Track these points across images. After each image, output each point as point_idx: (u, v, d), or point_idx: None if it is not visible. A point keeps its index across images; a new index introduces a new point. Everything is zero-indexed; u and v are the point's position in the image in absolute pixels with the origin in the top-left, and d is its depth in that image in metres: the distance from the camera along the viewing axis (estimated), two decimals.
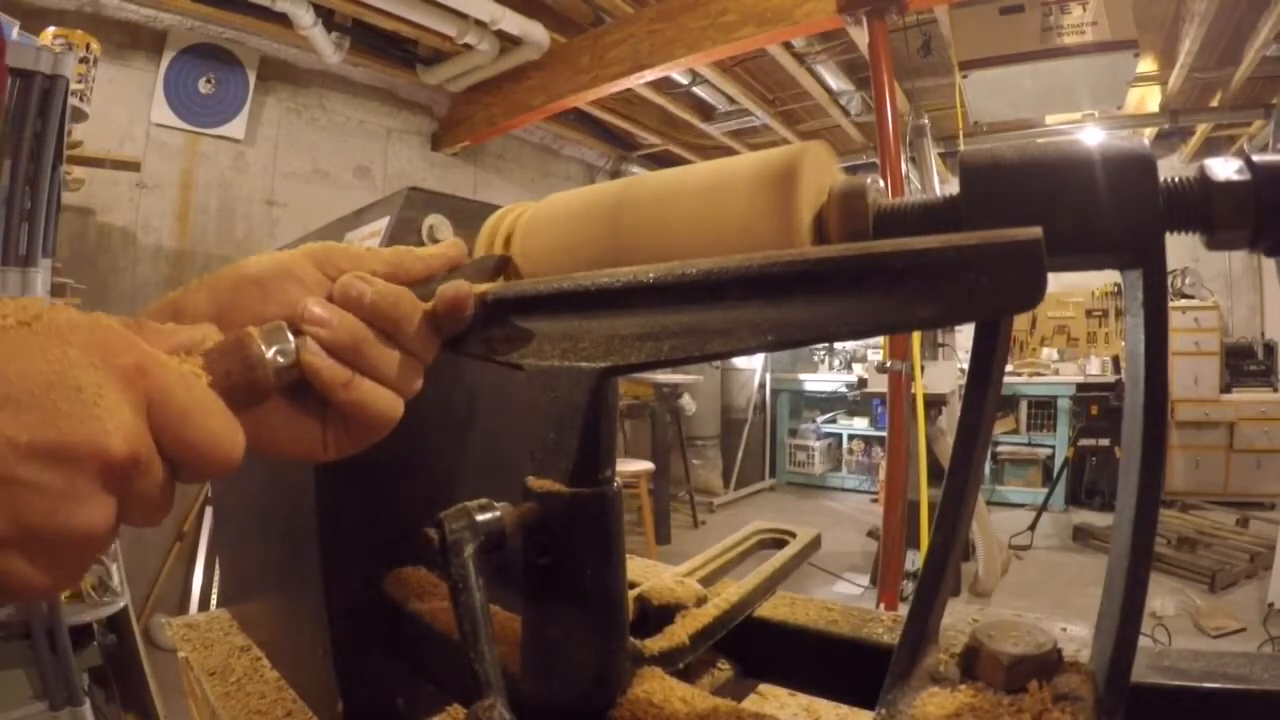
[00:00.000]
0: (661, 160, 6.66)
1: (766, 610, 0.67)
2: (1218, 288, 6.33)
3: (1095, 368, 6.23)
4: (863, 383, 4.65)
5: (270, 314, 0.42)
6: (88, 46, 2.84)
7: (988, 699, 0.43)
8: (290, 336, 0.41)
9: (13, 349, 0.29)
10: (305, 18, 3.87)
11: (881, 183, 0.44)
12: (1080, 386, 6.01)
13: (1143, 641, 0.40)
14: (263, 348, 0.39)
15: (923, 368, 3.44)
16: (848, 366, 7.42)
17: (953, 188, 0.40)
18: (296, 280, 0.44)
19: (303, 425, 0.43)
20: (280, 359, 0.40)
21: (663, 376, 5.54)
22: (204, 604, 3.61)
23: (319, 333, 0.42)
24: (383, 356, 0.44)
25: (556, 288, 0.46)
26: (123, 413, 0.31)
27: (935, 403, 3.73)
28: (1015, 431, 6.40)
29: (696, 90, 5.46)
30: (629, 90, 4.75)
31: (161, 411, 0.33)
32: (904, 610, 0.49)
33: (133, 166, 3.67)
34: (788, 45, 4.54)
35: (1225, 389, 5.82)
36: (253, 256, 0.45)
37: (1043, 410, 6.31)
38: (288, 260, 0.45)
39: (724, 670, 0.64)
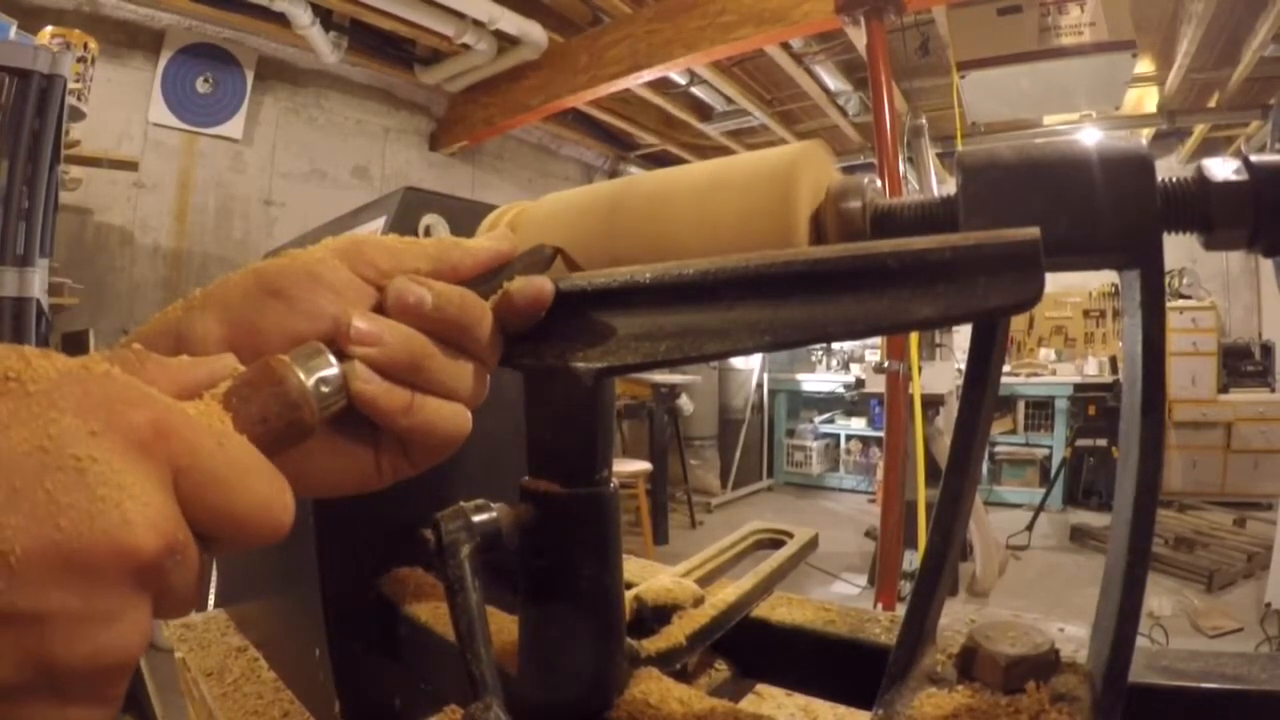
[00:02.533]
0: (659, 160, 6.66)
1: (764, 610, 0.67)
2: (1215, 288, 6.34)
3: (1093, 368, 6.24)
4: (860, 383, 4.66)
5: (300, 333, 0.34)
6: (85, 46, 2.84)
7: (985, 699, 0.43)
8: (333, 360, 0.33)
9: None
10: (303, 17, 3.87)
11: (879, 183, 0.44)
12: (1078, 387, 6.02)
13: (1140, 641, 0.40)
14: (302, 378, 0.31)
15: (920, 368, 3.44)
16: (845, 367, 7.42)
17: (950, 188, 0.40)
18: (326, 286, 0.36)
19: (352, 457, 0.36)
20: (323, 388, 0.32)
21: (660, 377, 5.54)
22: (201, 604, 3.60)
23: (369, 353, 0.34)
24: (448, 369, 0.37)
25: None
26: (144, 492, 0.24)
27: (933, 403, 3.74)
28: (1013, 432, 6.41)
29: (694, 90, 5.47)
30: (627, 90, 4.76)
31: (191, 481, 0.26)
32: (901, 610, 0.49)
33: (130, 166, 3.68)
34: (786, 45, 4.55)
35: (1222, 389, 5.83)
36: (267, 260, 0.37)
37: (1040, 410, 6.32)
38: (313, 263, 0.37)
39: (721, 671, 0.64)
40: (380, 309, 0.37)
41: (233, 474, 0.27)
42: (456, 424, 0.37)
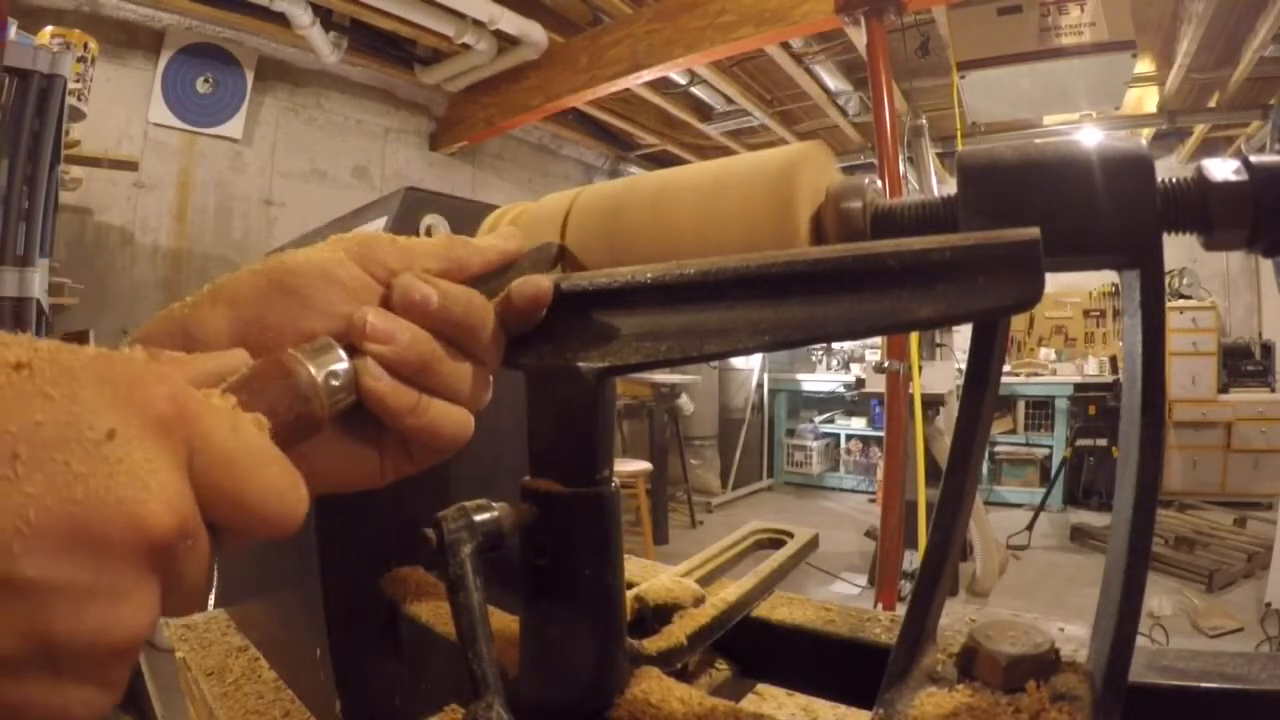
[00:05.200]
0: (659, 160, 6.66)
1: (764, 610, 0.67)
2: (1215, 288, 6.34)
3: (1093, 368, 6.24)
4: (860, 383, 4.65)
5: (311, 330, 0.34)
6: (85, 46, 2.84)
7: (985, 699, 0.43)
8: (343, 355, 0.33)
9: (1, 401, 0.22)
10: (303, 17, 3.87)
11: (879, 183, 0.44)
12: (1078, 386, 6.02)
13: (1140, 641, 0.40)
14: (312, 372, 0.31)
15: (920, 368, 3.44)
16: (845, 367, 7.42)
17: (950, 188, 0.40)
18: (338, 284, 0.36)
19: (357, 455, 0.37)
20: (333, 383, 0.32)
21: (660, 376, 5.54)
22: (204, 604, 3.61)
23: (382, 351, 0.34)
24: (454, 372, 0.37)
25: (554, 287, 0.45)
26: (161, 470, 0.23)
27: (933, 403, 3.74)
28: (1013, 431, 6.41)
29: (694, 90, 5.47)
30: (627, 90, 4.76)
31: (205, 464, 0.25)
32: (902, 610, 0.49)
33: (130, 166, 3.68)
34: (786, 45, 4.55)
35: (1222, 389, 5.83)
36: (278, 256, 0.37)
37: (1040, 410, 6.32)
38: (325, 260, 0.36)
39: (722, 670, 0.64)
40: (386, 306, 0.37)
41: (246, 460, 0.26)
42: (460, 427, 0.38)
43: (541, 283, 0.41)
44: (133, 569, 0.23)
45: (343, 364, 0.33)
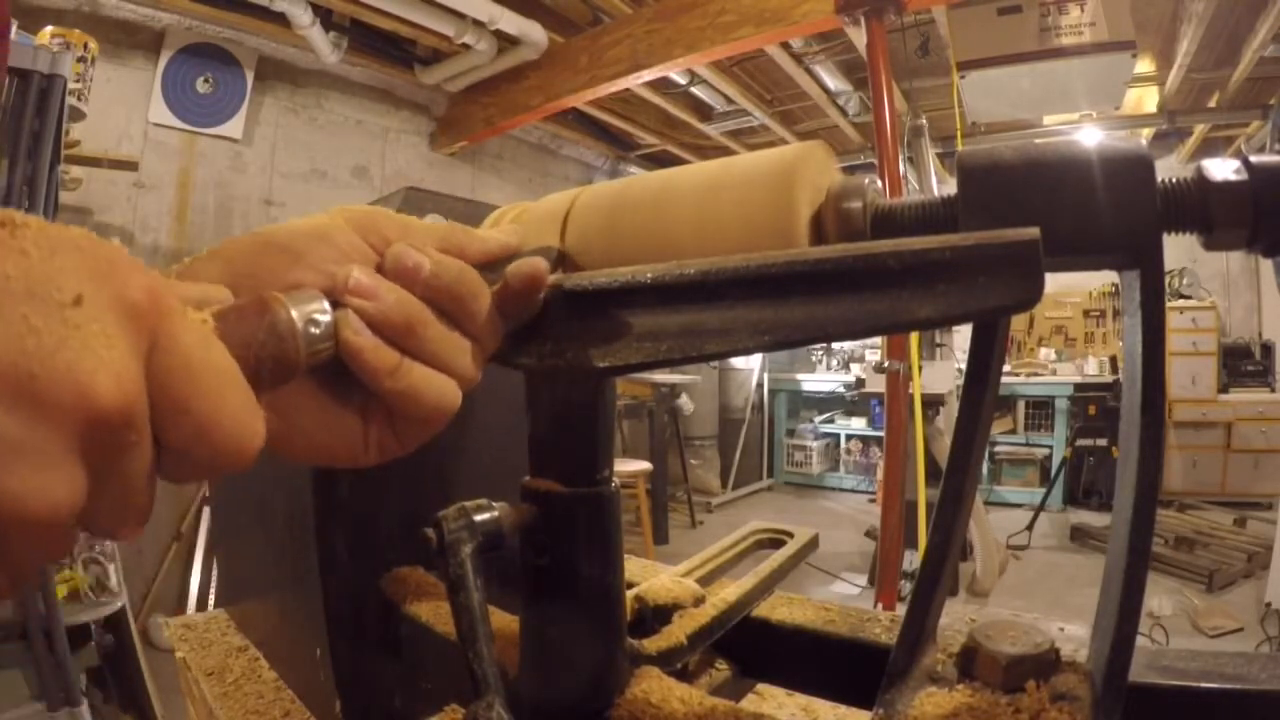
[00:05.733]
0: (659, 160, 6.66)
1: (764, 610, 0.67)
2: (1215, 288, 6.34)
3: (1093, 368, 6.24)
4: (860, 383, 4.66)
5: (299, 283, 0.34)
6: (85, 46, 2.84)
7: (985, 699, 0.43)
8: (326, 306, 0.33)
9: None
10: (303, 17, 3.87)
11: (879, 183, 0.44)
12: (1078, 386, 6.02)
13: (1140, 641, 0.40)
14: (292, 314, 0.31)
15: (920, 368, 3.44)
16: (845, 367, 7.42)
17: (951, 188, 0.40)
18: (335, 246, 0.36)
19: (339, 421, 0.36)
20: (313, 330, 0.32)
21: (660, 376, 5.54)
22: (202, 604, 3.61)
23: (364, 305, 0.34)
24: (440, 338, 0.36)
25: (554, 287, 0.45)
26: (119, 349, 0.22)
27: (933, 403, 3.74)
28: (1013, 431, 6.41)
29: (694, 90, 5.47)
30: (627, 90, 4.76)
31: (165, 364, 0.24)
32: (902, 610, 0.49)
33: (130, 166, 3.67)
34: (786, 45, 4.54)
35: (1222, 389, 5.83)
36: (279, 224, 0.37)
37: (1040, 410, 6.32)
38: (324, 224, 0.37)
39: (722, 670, 0.64)
40: (381, 272, 0.36)
41: (209, 375, 0.26)
42: (444, 396, 0.37)
43: (537, 263, 0.40)
44: (65, 437, 0.21)
45: (325, 314, 0.33)
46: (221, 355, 0.27)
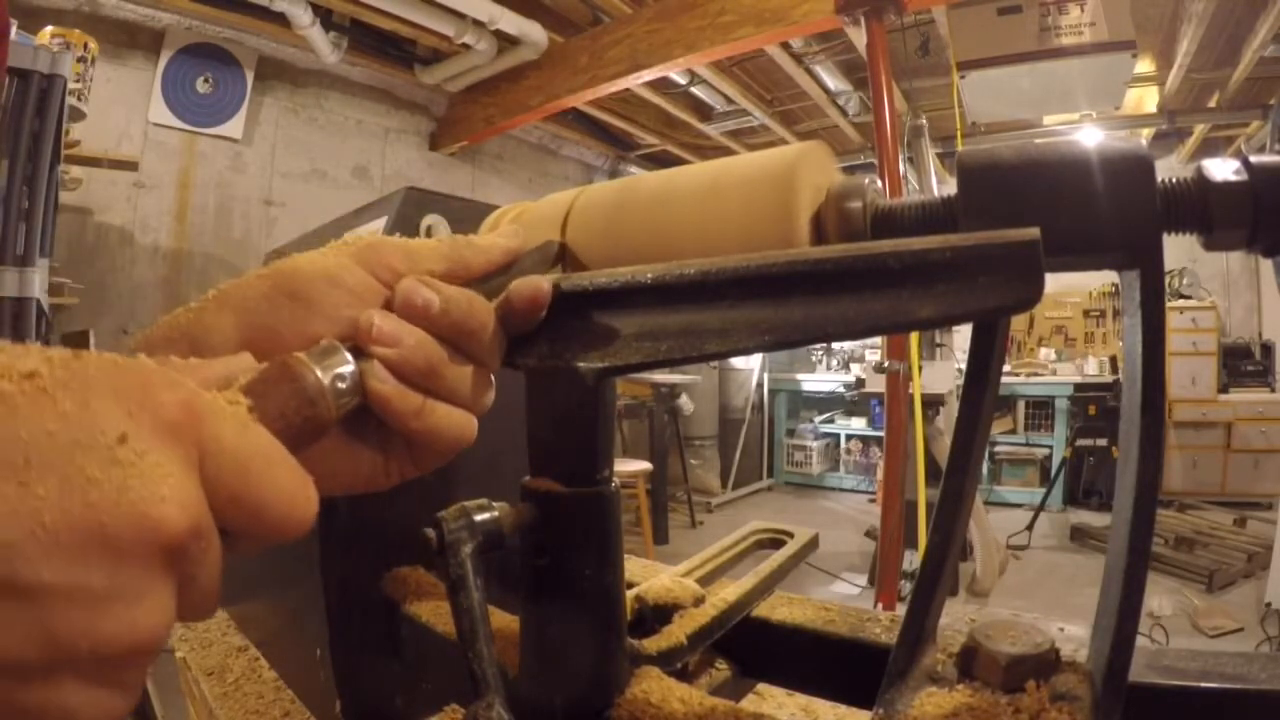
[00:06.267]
0: (659, 160, 6.66)
1: (764, 610, 0.67)
2: (1215, 288, 6.34)
3: (1093, 368, 6.24)
4: (860, 383, 4.65)
5: (316, 334, 0.34)
6: (85, 46, 2.84)
7: (985, 699, 0.43)
8: (349, 358, 0.33)
9: (12, 409, 0.21)
10: (303, 17, 3.88)
11: (879, 183, 0.44)
12: (1078, 386, 6.02)
13: (1140, 641, 0.40)
14: (319, 375, 0.31)
15: (920, 368, 3.44)
16: (845, 367, 7.42)
17: (950, 188, 0.40)
18: (343, 288, 0.36)
19: (362, 458, 0.37)
20: (340, 385, 0.32)
21: (660, 376, 5.54)
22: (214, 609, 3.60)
23: (387, 354, 0.34)
24: (457, 375, 0.37)
25: (553, 288, 0.45)
26: (174, 473, 0.24)
27: (933, 403, 3.74)
28: (1013, 431, 6.41)
29: (694, 90, 5.47)
30: (627, 90, 4.76)
31: (215, 466, 0.25)
32: (902, 610, 0.49)
33: (130, 166, 3.68)
34: (786, 45, 4.55)
35: (1222, 389, 5.82)
36: (283, 262, 0.37)
37: (1040, 410, 6.32)
38: (331, 265, 0.37)
39: (722, 670, 0.64)
40: (389, 310, 0.37)
41: (256, 461, 0.27)
42: (463, 430, 0.38)
43: (540, 283, 0.41)
44: (147, 571, 0.23)
45: (349, 366, 0.33)
46: (263, 437, 0.28)
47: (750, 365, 7.33)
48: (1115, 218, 0.36)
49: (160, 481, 0.23)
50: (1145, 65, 4.91)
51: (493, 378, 0.41)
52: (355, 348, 0.34)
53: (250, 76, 4.31)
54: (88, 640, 0.21)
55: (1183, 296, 6.09)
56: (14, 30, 2.19)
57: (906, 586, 3.46)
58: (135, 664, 0.23)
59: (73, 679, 0.22)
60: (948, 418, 3.81)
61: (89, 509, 0.21)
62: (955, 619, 0.51)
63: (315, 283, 0.36)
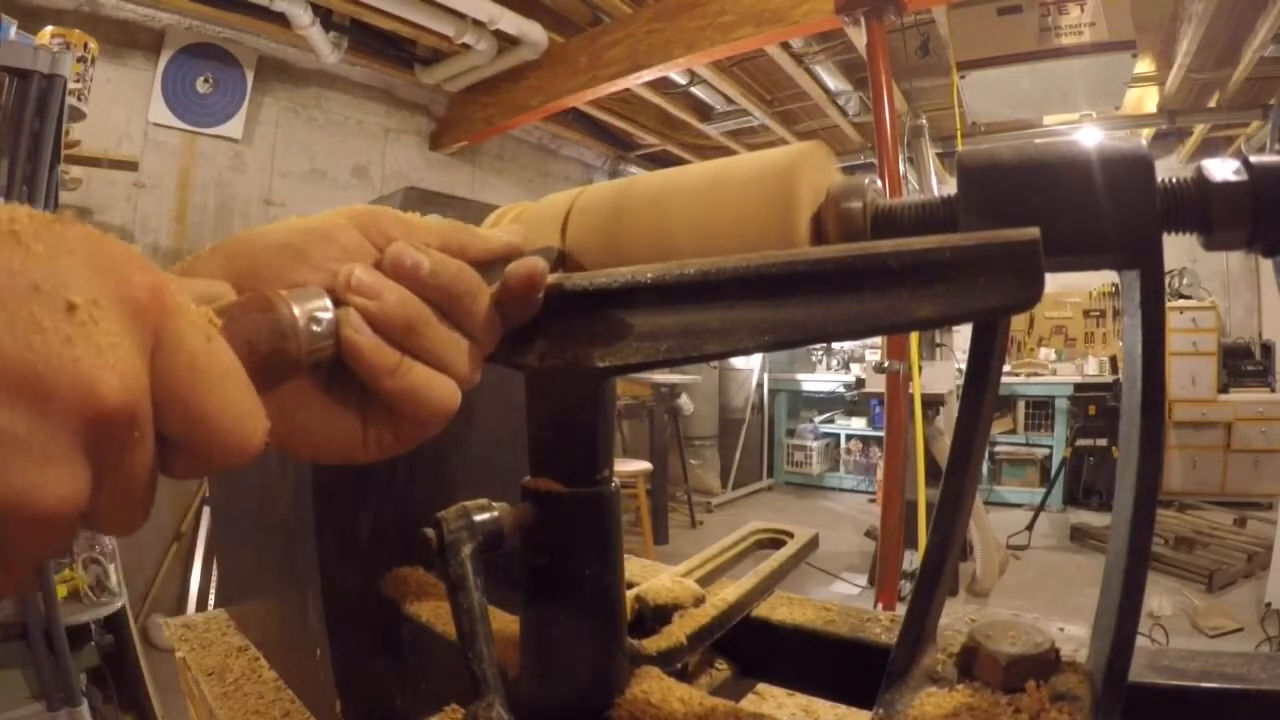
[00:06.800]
0: (659, 160, 6.66)
1: (764, 610, 0.67)
2: (1215, 288, 6.34)
3: (1093, 368, 6.24)
4: (860, 383, 4.66)
5: (301, 281, 0.34)
6: (85, 46, 2.84)
7: (985, 698, 0.43)
8: (328, 304, 0.33)
9: None
10: (303, 17, 3.87)
11: (879, 183, 0.44)
12: (1078, 386, 6.02)
13: (1140, 641, 0.40)
14: (294, 311, 0.31)
15: (920, 368, 3.44)
16: (845, 367, 7.42)
17: (950, 188, 0.40)
18: (337, 244, 0.36)
19: (338, 419, 0.36)
20: (314, 327, 0.32)
21: (660, 376, 5.54)
22: (201, 604, 3.61)
23: (365, 304, 0.34)
24: (440, 337, 0.37)
25: (554, 287, 0.45)
26: (123, 347, 0.23)
27: (933, 403, 3.74)
28: (1013, 431, 6.41)
29: (694, 90, 5.47)
30: (627, 90, 4.76)
31: (168, 361, 0.24)
32: (902, 610, 0.49)
33: (130, 166, 3.67)
34: (786, 45, 4.54)
35: (1222, 389, 5.83)
36: (281, 221, 0.37)
37: (1040, 410, 6.32)
38: (326, 223, 0.37)
39: (722, 670, 0.64)
40: (380, 270, 0.36)
41: (212, 371, 0.26)
42: (444, 397, 0.37)
43: (536, 263, 0.40)
44: (70, 434, 0.22)
45: (327, 312, 0.33)
46: (224, 351, 0.27)
47: (750, 365, 7.33)
48: (1115, 218, 0.36)
49: (107, 349, 0.22)
50: (1145, 65, 4.91)
51: (482, 357, 0.40)
52: (339, 300, 0.34)
53: (250, 76, 4.30)
54: None
55: (1183, 296, 6.09)
56: (14, 30, 2.20)
57: (906, 586, 3.46)
58: (25, 538, 0.22)
59: None
60: (948, 418, 3.81)
61: (28, 351, 0.20)
62: (955, 619, 0.51)
63: (308, 236, 0.36)
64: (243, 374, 0.27)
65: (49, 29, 2.77)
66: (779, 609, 0.67)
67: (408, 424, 0.37)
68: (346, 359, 0.34)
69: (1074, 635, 0.47)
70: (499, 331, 0.41)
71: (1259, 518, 4.89)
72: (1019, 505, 5.94)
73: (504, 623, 0.56)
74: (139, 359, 0.23)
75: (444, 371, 0.37)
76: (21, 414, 0.20)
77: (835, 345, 7.23)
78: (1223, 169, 0.37)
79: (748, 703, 0.71)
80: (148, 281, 0.24)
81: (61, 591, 2.31)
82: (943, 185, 4.92)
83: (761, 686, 0.75)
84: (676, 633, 0.58)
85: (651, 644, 0.56)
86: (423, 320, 0.36)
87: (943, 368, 3.91)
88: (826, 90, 5.37)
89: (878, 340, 4.81)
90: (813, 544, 0.81)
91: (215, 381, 0.26)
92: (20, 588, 0.23)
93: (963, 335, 3.63)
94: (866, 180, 0.43)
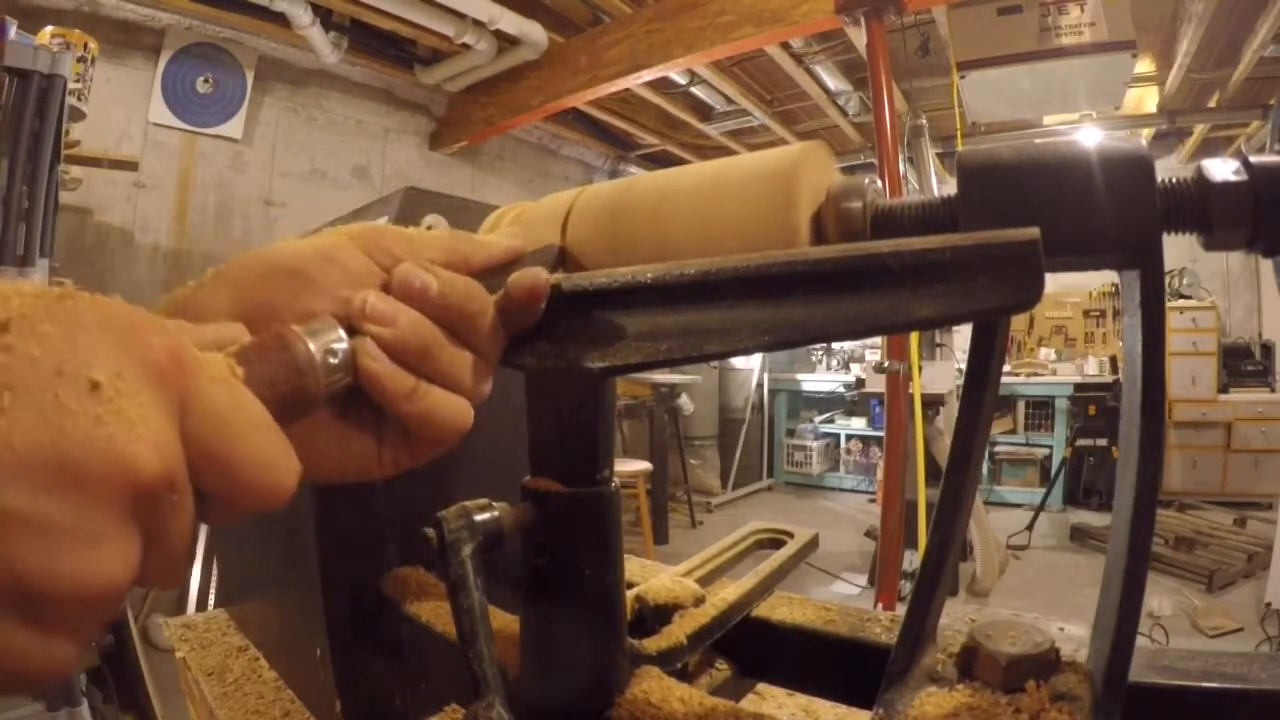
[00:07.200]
0: (659, 160, 6.66)
1: (764, 610, 0.67)
2: (1215, 288, 6.34)
3: (1093, 368, 6.24)
4: (860, 383, 4.66)
5: (311, 311, 0.34)
6: (85, 46, 2.84)
7: (985, 698, 0.43)
8: (342, 335, 0.33)
9: None
10: (303, 17, 3.88)
11: (879, 183, 0.44)
12: (1078, 386, 6.02)
13: (1140, 641, 0.40)
14: (310, 348, 0.31)
15: (920, 368, 3.44)
16: (845, 367, 7.42)
17: (950, 188, 0.40)
18: (344, 268, 0.36)
19: (354, 443, 0.36)
20: (331, 360, 0.32)
21: (660, 376, 5.54)
22: (202, 604, 3.60)
23: (381, 332, 0.34)
24: (453, 359, 0.37)
25: (554, 288, 0.45)
26: (153, 417, 0.23)
27: (933, 403, 3.74)
28: (1013, 431, 6.40)
29: (694, 90, 5.47)
30: (627, 90, 4.76)
31: (196, 420, 0.25)
32: (902, 610, 0.49)
33: (130, 166, 3.67)
34: (786, 45, 4.55)
35: (1222, 389, 5.83)
36: (283, 241, 0.37)
37: (1040, 410, 6.32)
38: (329, 245, 0.37)
39: (722, 670, 0.64)
40: (386, 292, 0.36)
41: (238, 422, 0.26)
42: (458, 417, 0.37)
43: (539, 274, 0.40)
44: (114, 513, 0.22)
45: (342, 343, 0.33)
46: (250, 402, 0.27)
47: (750, 365, 7.33)
48: (1115, 218, 0.36)
49: (138, 422, 0.22)
50: (1145, 65, 4.91)
51: (490, 369, 0.40)
52: (350, 327, 0.34)
53: (250, 76, 4.30)
54: (43, 577, 0.20)
55: (1183, 296, 6.09)
56: (14, 30, 2.19)
57: (906, 586, 3.46)
58: (88, 614, 0.22)
59: (19, 618, 0.20)
60: (948, 418, 3.81)
61: (62, 438, 0.20)
62: (955, 619, 0.51)
63: (313, 261, 0.36)
64: (270, 421, 0.27)
65: (49, 29, 2.77)
66: (779, 609, 0.67)
67: (422, 443, 0.37)
68: (365, 387, 0.34)
69: (1074, 635, 0.47)
70: (503, 343, 0.41)
71: (1259, 518, 4.89)
72: (1019, 505, 5.94)
73: (504, 623, 0.56)
74: (169, 425, 0.24)
75: (456, 391, 0.37)
76: (64, 500, 0.20)
77: (835, 345, 7.23)
78: (1223, 169, 0.37)
79: (748, 703, 0.71)
80: (165, 344, 0.24)
81: None
82: (943, 185, 4.92)
83: (761, 686, 0.75)
84: (676, 633, 0.58)
85: (651, 644, 0.56)
86: (435, 343, 0.36)
87: (943, 368, 3.91)
88: (826, 90, 5.37)
89: (878, 340, 4.81)
90: (813, 544, 0.81)
91: (243, 433, 0.26)
92: (79, 660, 0.24)
93: (963, 335, 3.63)
94: (866, 180, 0.43)
